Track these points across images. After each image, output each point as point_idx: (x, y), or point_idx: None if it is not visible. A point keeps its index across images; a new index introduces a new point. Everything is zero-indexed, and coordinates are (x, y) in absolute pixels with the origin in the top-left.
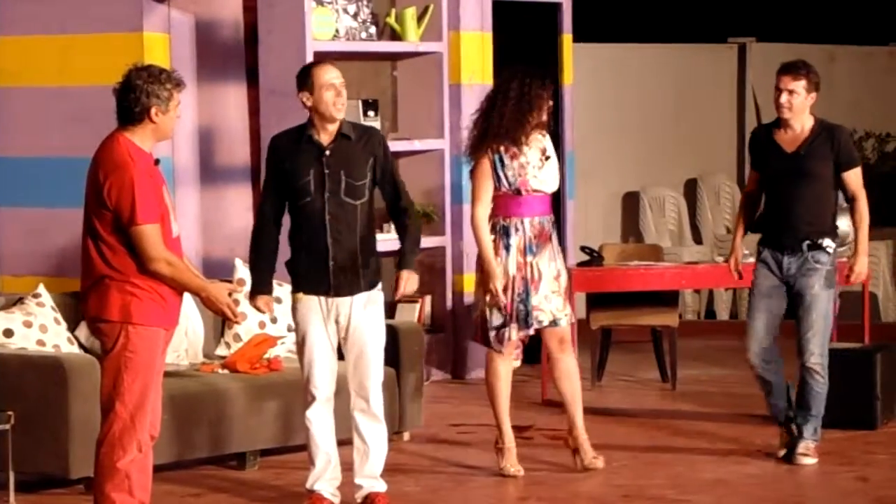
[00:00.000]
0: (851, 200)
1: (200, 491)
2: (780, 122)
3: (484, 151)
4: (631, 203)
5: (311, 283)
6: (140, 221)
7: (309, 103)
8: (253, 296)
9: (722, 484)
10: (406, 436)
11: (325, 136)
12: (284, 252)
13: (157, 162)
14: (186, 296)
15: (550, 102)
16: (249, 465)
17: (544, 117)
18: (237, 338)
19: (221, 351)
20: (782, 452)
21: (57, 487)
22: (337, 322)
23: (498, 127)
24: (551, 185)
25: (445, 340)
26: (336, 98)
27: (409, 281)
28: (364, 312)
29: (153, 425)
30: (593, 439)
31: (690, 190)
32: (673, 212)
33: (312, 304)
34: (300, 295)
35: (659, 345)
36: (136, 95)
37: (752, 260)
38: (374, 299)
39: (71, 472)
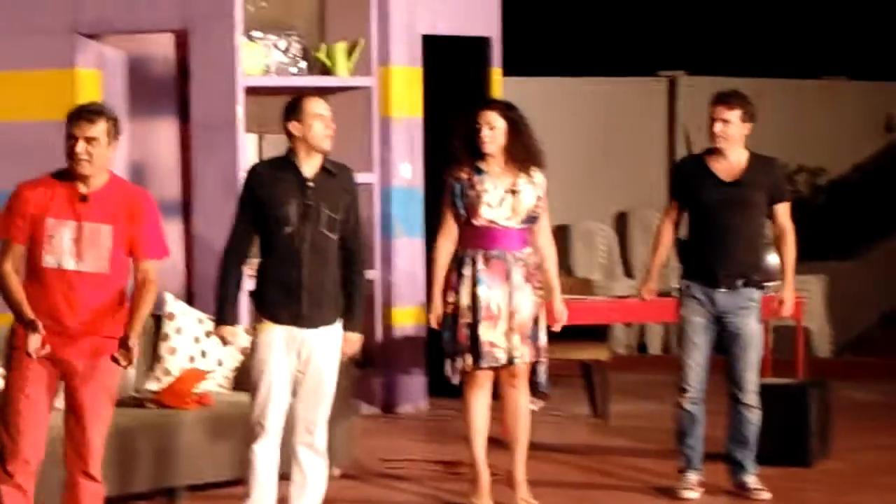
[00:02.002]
0: (780, 234)
1: None
2: (714, 152)
3: (447, 177)
4: (560, 236)
5: (280, 312)
6: None
7: (297, 133)
8: (217, 325)
9: None
10: (336, 471)
11: (309, 168)
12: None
13: (83, 198)
14: None
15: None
16: (178, 501)
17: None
18: (167, 372)
19: (152, 385)
20: (694, 495)
21: None
22: (298, 355)
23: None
24: (512, 221)
25: (375, 374)
26: (325, 129)
27: (352, 344)
28: (326, 347)
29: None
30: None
31: (621, 223)
32: (603, 245)
33: (276, 335)
34: (265, 324)
35: (589, 379)
36: None
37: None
38: (335, 334)
39: None
